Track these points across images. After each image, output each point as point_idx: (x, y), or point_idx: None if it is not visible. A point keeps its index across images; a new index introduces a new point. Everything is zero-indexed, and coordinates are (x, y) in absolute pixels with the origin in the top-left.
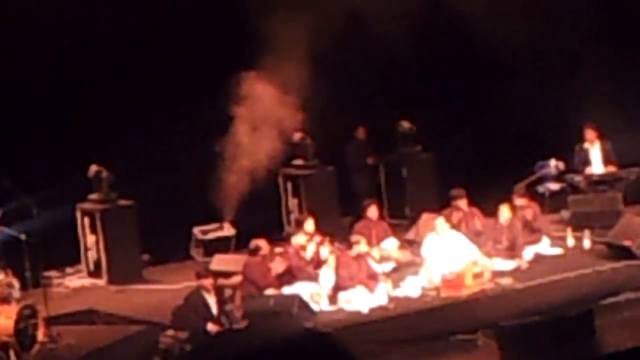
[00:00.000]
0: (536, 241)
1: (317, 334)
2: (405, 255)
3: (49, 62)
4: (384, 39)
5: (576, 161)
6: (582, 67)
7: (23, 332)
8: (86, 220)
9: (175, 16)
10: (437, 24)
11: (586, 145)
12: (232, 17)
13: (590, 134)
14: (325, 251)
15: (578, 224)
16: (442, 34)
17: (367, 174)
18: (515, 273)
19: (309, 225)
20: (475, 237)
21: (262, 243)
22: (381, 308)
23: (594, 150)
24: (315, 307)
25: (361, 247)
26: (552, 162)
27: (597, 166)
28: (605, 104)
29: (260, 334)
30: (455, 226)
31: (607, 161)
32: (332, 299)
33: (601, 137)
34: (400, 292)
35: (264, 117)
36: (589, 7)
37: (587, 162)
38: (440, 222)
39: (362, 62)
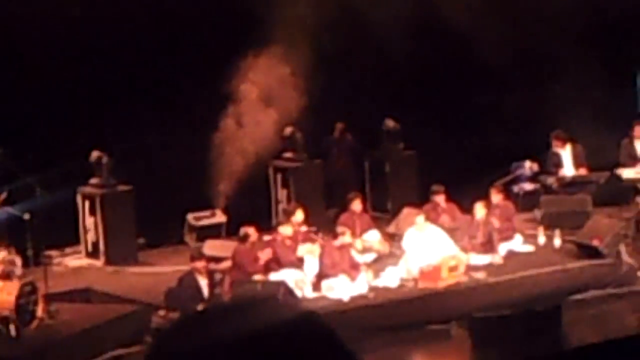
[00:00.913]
0: (510, 238)
1: (307, 313)
2: (386, 247)
3: (56, 49)
4: (377, 40)
5: (549, 163)
6: (561, 72)
7: (23, 307)
8: (86, 203)
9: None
10: (424, 30)
11: (558, 148)
12: (231, 6)
13: (560, 139)
14: (313, 246)
15: (549, 223)
16: (427, 38)
17: (342, 169)
18: (488, 268)
19: (299, 215)
20: (451, 232)
21: (251, 231)
22: (362, 297)
23: (566, 154)
24: (299, 294)
25: (346, 238)
26: (527, 164)
27: (568, 169)
28: (579, 109)
29: (248, 314)
30: (434, 221)
31: (578, 164)
32: (316, 286)
33: (573, 141)
34: (380, 282)
35: (257, 110)
36: (563, 13)
37: (559, 164)
38: (420, 218)
39: (354, 60)
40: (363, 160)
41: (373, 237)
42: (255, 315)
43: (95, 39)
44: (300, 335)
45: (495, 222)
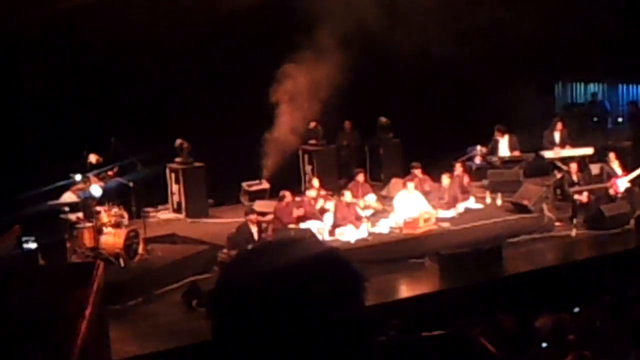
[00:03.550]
0: (466, 199)
1: (331, 248)
2: (380, 206)
3: (147, 59)
4: (381, 56)
5: (492, 147)
6: (502, 84)
7: (129, 247)
8: (172, 175)
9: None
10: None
11: (499, 137)
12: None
13: (500, 130)
14: (330, 204)
15: (493, 189)
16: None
17: (349, 152)
18: (451, 220)
19: (315, 182)
20: (425, 194)
21: (286, 193)
22: (363, 240)
23: (503, 141)
24: (320, 238)
25: (346, 197)
26: (478, 147)
27: (505, 151)
28: (515, 110)
29: (289, 249)
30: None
31: (512, 148)
32: (331, 233)
33: (509, 132)
34: (376, 230)
35: (291, 108)
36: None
37: (497, 148)
38: (411, 185)
39: (360, 73)
40: (364, 146)
41: (371, 198)
42: (294, 250)
43: (181, 54)
44: (328, 263)
45: (457, 188)
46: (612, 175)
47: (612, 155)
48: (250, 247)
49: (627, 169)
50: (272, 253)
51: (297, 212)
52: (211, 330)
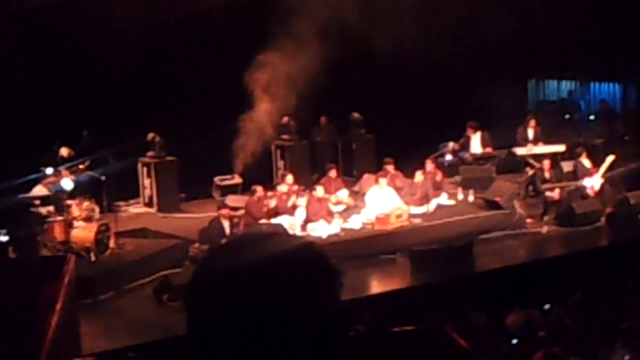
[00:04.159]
0: (438, 195)
1: (308, 242)
2: (352, 201)
3: (123, 59)
4: (358, 52)
5: (464, 144)
6: (476, 82)
7: (100, 241)
8: (144, 169)
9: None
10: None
11: (471, 134)
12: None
13: (472, 127)
14: (302, 200)
15: (465, 185)
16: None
17: (324, 148)
18: (423, 216)
19: (289, 178)
20: (398, 190)
21: (258, 188)
22: (335, 235)
23: (476, 138)
24: (291, 233)
25: (319, 192)
26: (450, 144)
27: (477, 148)
28: (489, 108)
29: (264, 243)
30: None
31: (484, 145)
32: (303, 228)
33: (481, 129)
34: (348, 225)
35: (264, 104)
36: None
37: (468, 145)
38: (383, 181)
39: (335, 68)
40: (337, 142)
41: (343, 194)
42: (271, 243)
43: (152, 49)
44: (304, 257)
45: (430, 184)
46: (585, 173)
47: (583, 153)
48: (226, 240)
49: (597, 166)
50: (248, 247)
51: (269, 207)
52: (186, 325)
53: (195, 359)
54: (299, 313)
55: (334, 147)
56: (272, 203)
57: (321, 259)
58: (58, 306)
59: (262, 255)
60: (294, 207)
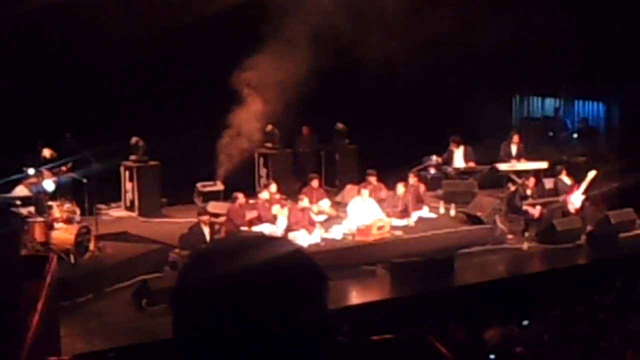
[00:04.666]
0: (420, 208)
1: (298, 247)
2: (333, 212)
3: (112, 52)
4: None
5: (447, 158)
6: (462, 97)
7: (80, 243)
8: (127, 173)
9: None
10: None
11: (454, 148)
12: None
13: (455, 141)
14: (284, 210)
15: (447, 199)
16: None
17: (306, 158)
18: (405, 228)
19: (273, 187)
20: (380, 202)
21: (240, 195)
22: (316, 245)
23: (459, 152)
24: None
25: (304, 203)
26: (433, 157)
27: (460, 162)
28: (473, 123)
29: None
30: (369, 194)
31: (467, 159)
32: (284, 237)
33: (465, 143)
34: (329, 236)
35: (247, 112)
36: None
37: (451, 159)
38: (365, 192)
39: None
40: (320, 152)
41: (325, 204)
42: (259, 249)
43: (131, 47)
44: (293, 262)
45: (411, 197)
46: (566, 189)
47: (563, 171)
48: (214, 244)
49: (578, 183)
50: (237, 251)
51: (250, 214)
52: (172, 329)
53: None
54: (288, 318)
55: (316, 156)
56: (253, 214)
57: (309, 264)
58: (39, 306)
59: (251, 259)
60: (276, 215)
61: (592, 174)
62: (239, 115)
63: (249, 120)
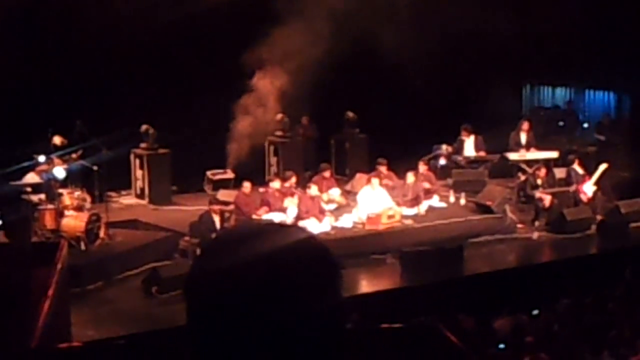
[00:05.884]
0: (430, 197)
1: (311, 234)
2: (344, 200)
3: (122, 40)
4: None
5: (458, 147)
6: (474, 88)
7: (90, 231)
8: (137, 160)
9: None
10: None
11: (464, 137)
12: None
13: (466, 131)
14: (294, 199)
15: (457, 188)
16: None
17: (308, 147)
18: (415, 217)
19: (293, 179)
20: (390, 191)
21: (246, 184)
22: (326, 233)
23: (469, 141)
24: (291, 224)
25: (312, 191)
26: (444, 147)
27: (470, 151)
28: (484, 112)
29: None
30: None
31: (478, 149)
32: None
33: (475, 132)
34: (339, 224)
35: (262, 100)
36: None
37: (462, 148)
38: (375, 181)
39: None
40: (330, 140)
41: (335, 193)
42: (273, 236)
43: (151, 43)
44: (307, 250)
45: (422, 186)
46: (578, 179)
47: (576, 160)
48: (227, 232)
49: (590, 174)
50: (250, 239)
51: (259, 203)
52: (186, 316)
53: (195, 349)
54: (301, 306)
55: (315, 144)
56: (260, 203)
57: (323, 251)
58: (50, 292)
59: (265, 247)
60: (284, 208)
61: (603, 166)
62: (250, 102)
63: (260, 108)
